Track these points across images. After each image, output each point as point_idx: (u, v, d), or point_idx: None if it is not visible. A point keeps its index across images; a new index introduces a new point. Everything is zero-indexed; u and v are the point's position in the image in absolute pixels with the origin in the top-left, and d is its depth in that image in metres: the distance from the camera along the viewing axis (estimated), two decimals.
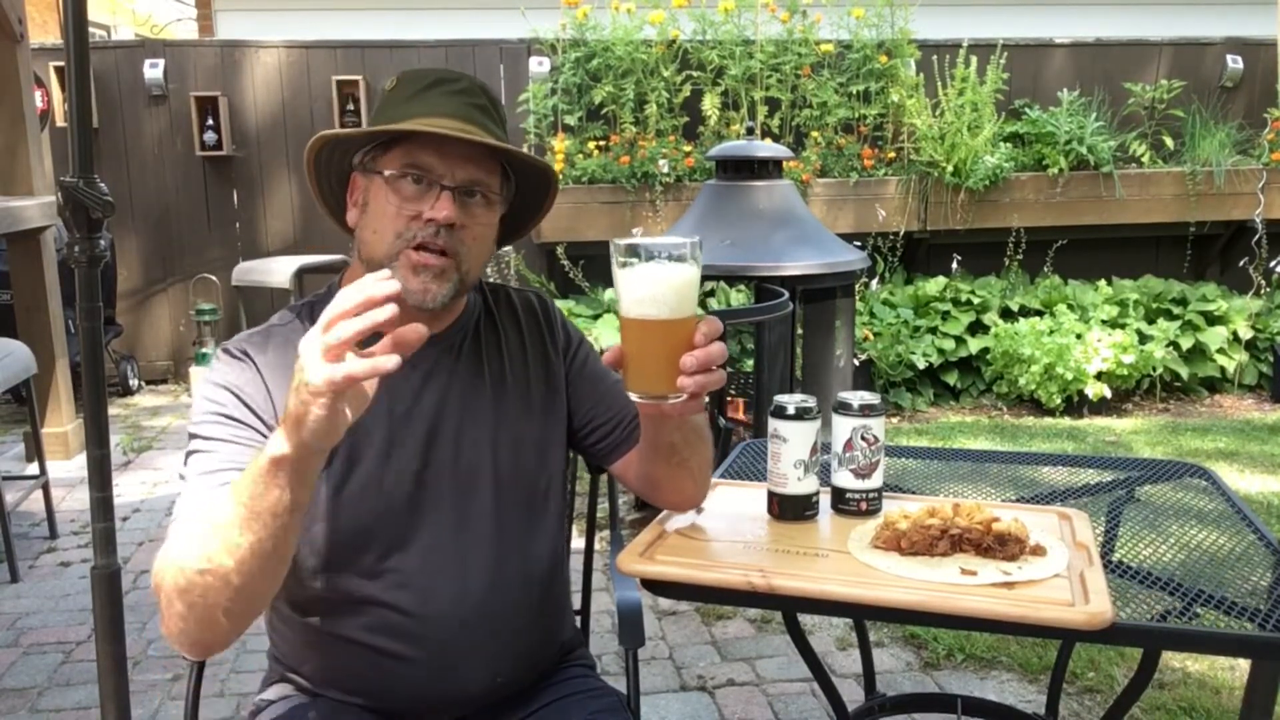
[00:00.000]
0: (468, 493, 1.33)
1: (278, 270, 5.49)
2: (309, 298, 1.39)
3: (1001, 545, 1.25)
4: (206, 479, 1.18)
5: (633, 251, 1.12)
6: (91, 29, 6.51)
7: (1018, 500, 1.62)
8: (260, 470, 1.02)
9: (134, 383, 5.88)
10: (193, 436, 1.24)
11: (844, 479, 1.43)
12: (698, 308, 1.16)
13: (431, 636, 1.29)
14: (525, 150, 1.38)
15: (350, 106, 5.96)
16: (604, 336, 5.06)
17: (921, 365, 5.35)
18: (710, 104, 5.73)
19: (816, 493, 1.42)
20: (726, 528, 1.40)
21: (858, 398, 1.42)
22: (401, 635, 1.29)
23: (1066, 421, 5.13)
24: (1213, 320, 5.63)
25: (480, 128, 1.27)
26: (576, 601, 1.64)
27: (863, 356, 5.14)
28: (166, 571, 1.09)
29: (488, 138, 1.26)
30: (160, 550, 1.12)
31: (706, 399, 1.21)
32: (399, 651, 1.29)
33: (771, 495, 1.42)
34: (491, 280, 1.58)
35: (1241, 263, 6.17)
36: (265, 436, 1.21)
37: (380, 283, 0.97)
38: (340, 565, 1.28)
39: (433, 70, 1.32)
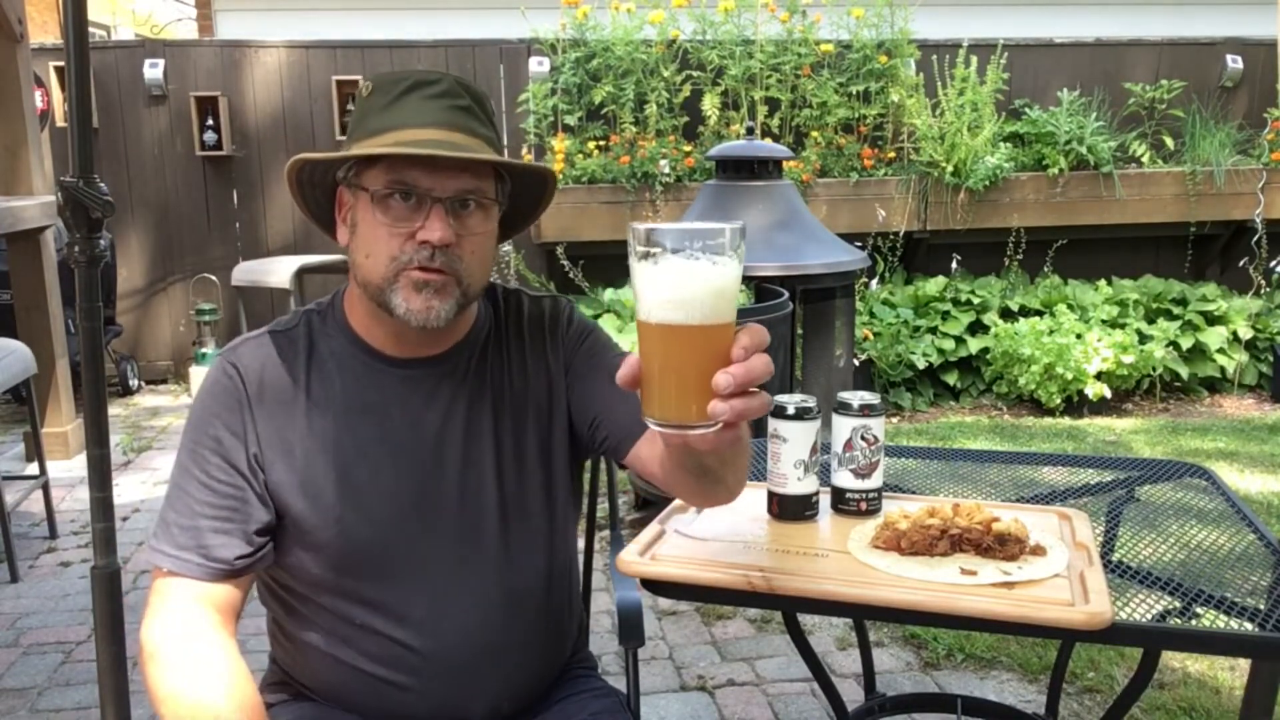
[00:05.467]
0: (473, 521, 1.28)
1: (278, 270, 5.48)
2: (315, 305, 1.34)
3: (1001, 545, 1.25)
4: (178, 528, 1.21)
5: (657, 240, 0.88)
6: (91, 29, 6.50)
7: (1018, 500, 1.61)
8: None
9: (134, 383, 5.87)
10: (181, 448, 1.25)
11: (844, 479, 1.43)
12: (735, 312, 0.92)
13: (434, 669, 1.26)
14: (524, 151, 1.35)
15: (350, 106, 5.95)
16: None
17: (921, 365, 5.34)
18: (710, 104, 5.73)
19: (816, 493, 1.42)
20: (726, 528, 1.40)
21: (858, 398, 1.42)
22: (402, 667, 1.25)
23: (1066, 421, 5.13)
24: (1213, 320, 5.63)
25: (466, 132, 1.20)
26: None
27: (863, 356, 5.14)
28: (145, 653, 1.15)
29: (476, 145, 1.19)
30: (147, 615, 1.18)
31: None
32: (400, 682, 1.26)
33: (771, 495, 1.42)
34: (512, 285, 1.46)
35: (1241, 263, 6.17)
36: (237, 487, 1.22)
37: None
38: (339, 590, 1.25)
39: (409, 72, 1.22)
